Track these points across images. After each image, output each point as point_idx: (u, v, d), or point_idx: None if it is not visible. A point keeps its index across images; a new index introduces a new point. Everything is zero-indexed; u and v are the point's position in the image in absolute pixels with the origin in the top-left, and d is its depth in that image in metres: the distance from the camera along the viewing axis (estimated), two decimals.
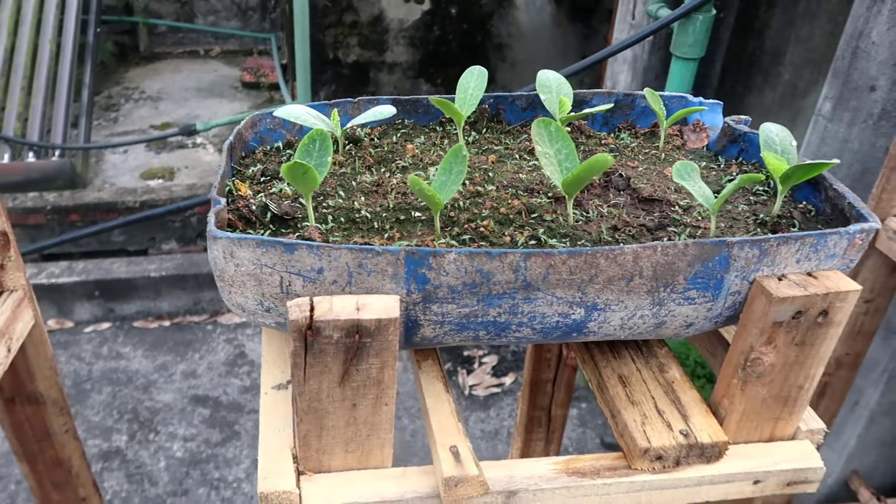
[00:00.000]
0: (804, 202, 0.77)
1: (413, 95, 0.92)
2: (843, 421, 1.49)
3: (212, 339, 2.46)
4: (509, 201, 0.72)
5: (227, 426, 2.10)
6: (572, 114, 0.83)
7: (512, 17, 3.60)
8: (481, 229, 0.68)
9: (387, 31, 3.47)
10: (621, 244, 0.67)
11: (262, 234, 0.67)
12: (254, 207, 0.70)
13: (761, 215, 0.74)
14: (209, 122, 3.23)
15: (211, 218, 0.62)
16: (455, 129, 0.91)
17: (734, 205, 0.77)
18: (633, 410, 0.69)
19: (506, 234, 0.68)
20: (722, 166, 0.85)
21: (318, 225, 0.69)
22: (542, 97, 0.85)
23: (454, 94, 0.85)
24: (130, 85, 4.27)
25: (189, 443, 2.05)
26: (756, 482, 0.69)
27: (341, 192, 0.74)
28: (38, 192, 2.83)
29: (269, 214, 0.70)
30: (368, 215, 0.70)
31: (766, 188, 0.80)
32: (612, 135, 0.93)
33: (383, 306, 0.58)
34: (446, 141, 0.88)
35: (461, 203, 0.72)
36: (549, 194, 0.75)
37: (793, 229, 0.72)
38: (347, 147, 0.85)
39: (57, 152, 2.98)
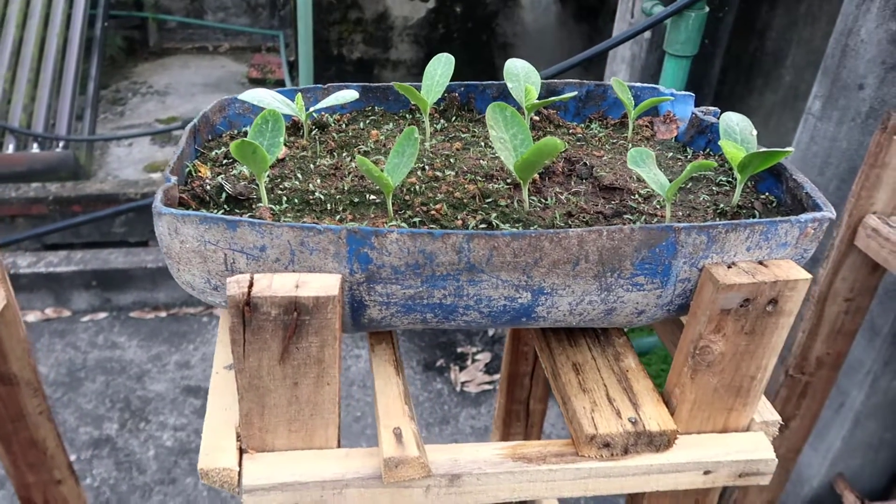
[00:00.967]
0: (766, 193, 0.76)
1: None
2: (828, 423, 1.47)
3: (206, 330, 2.48)
4: (465, 186, 0.72)
5: None
6: (537, 101, 0.83)
7: (517, 16, 3.60)
8: (433, 213, 0.67)
9: (391, 29, 3.48)
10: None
11: (216, 213, 0.68)
12: (208, 187, 0.70)
13: (721, 205, 0.73)
14: None
15: (158, 195, 0.63)
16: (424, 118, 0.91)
17: (696, 195, 0.76)
18: (584, 398, 0.68)
19: (458, 218, 0.68)
20: (689, 157, 0.84)
21: (272, 206, 0.69)
22: (509, 85, 0.85)
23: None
24: (138, 79, 4.31)
25: (179, 432, 2.06)
26: (706, 472, 0.68)
27: (299, 175, 0.74)
28: (41, 183, 2.86)
29: (223, 195, 0.70)
30: (322, 197, 0.70)
31: (730, 179, 0.79)
32: (583, 125, 0.93)
33: (322, 284, 0.58)
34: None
35: (417, 187, 0.72)
36: (508, 180, 0.75)
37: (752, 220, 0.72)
38: (313, 132, 0.85)
39: (61, 144, 3.01)
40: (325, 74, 3.53)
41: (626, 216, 0.70)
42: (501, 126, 0.69)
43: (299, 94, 0.81)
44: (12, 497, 1.86)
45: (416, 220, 0.67)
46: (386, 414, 0.65)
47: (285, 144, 0.82)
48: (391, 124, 0.89)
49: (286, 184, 0.73)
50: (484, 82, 0.93)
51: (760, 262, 0.64)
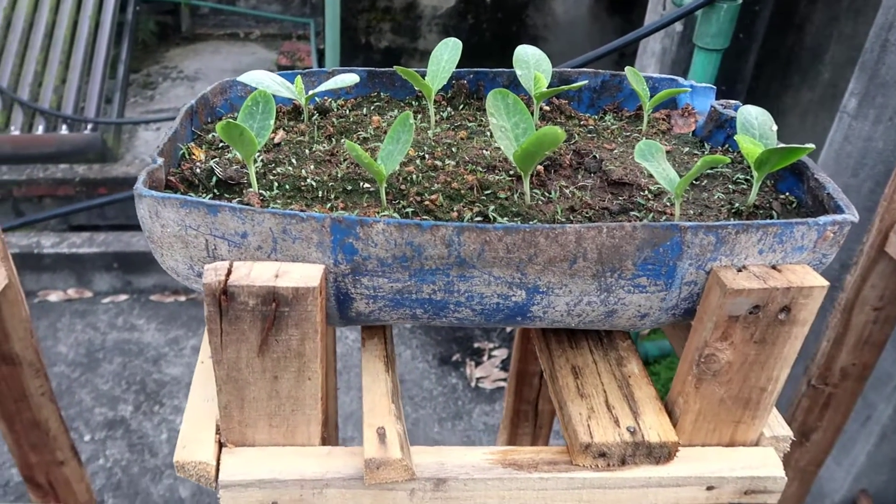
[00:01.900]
0: (787, 193, 0.72)
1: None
2: (853, 437, 1.41)
3: None
4: (464, 177, 0.69)
5: None
6: (547, 90, 0.79)
7: (548, 8, 3.54)
8: (427, 204, 0.64)
9: (420, 18, 3.44)
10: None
11: (204, 198, 0.65)
12: (198, 170, 0.68)
13: (737, 205, 0.69)
14: None
15: (141, 176, 0.61)
16: (434, 104, 0.87)
17: (710, 193, 0.72)
18: (581, 403, 0.65)
19: (454, 210, 0.65)
20: (706, 153, 0.80)
21: (263, 191, 0.67)
22: (518, 73, 0.81)
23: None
24: (169, 64, 4.34)
25: None
26: (710, 488, 0.64)
27: (293, 160, 0.72)
28: (69, 164, 2.89)
29: (214, 179, 0.68)
30: (314, 184, 0.67)
31: (748, 177, 0.74)
32: (597, 117, 0.88)
33: (303, 274, 0.55)
34: (419, 116, 0.85)
35: (414, 176, 0.69)
36: (511, 172, 0.71)
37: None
38: (314, 117, 0.82)
39: (89, 126, 3.04)
40: (352, 63, 3.51)
41: (632, 213, 0.66)
42: (503, 114, 0.66)
43: (299, 76, 0.78)
44: None
45: (409, 210, 0.64)
46: (371, 412, 0.62)
47: (283, 129, 0.79)
48: (396, 111, 0.86)
49: (279, 169, 0.70)
50: (494, 69, 0.89)
51: (774, 267, 0.60)
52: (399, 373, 2.27)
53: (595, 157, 0.76)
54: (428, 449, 0.63)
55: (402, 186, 0.68)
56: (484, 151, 0.75)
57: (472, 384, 2.27)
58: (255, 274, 0.55)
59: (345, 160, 0.72)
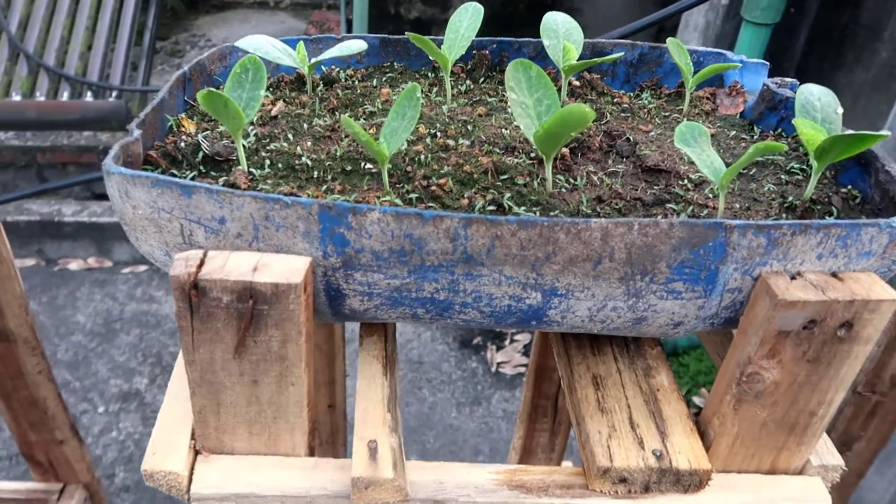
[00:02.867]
0: (849, 186, 0.62)
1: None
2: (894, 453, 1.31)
3: None
4: (479, 159, 0.61)
5: None
6: (576, 63, 0.70)
7: None
8: (434, 189, 0.57)
9: None
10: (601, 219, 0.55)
11: (188, 175, 0.59)
12: (183, 145, 0.61)
13: (791, 198, 0.60)
14: None
15: (114, 150, 0.54)
16: (451, 76, 0.79)
17: (759, 183, 0.63)
18: (601, 420, 0.57)
19: (465, 196, 0.57)
20: (756, 138, 0.71)
21: (254, 170, 0.60)
22: (546, 43, 0.73)
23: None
24: (198, 32, 4.29)
25: None
26: None
27: (290, 136, 0.65)
28: (93, 132, 2.87)
29: (200, 154, 0.61)
30: (310, 163, 0.60)
31: (804, 166, 0.65)
32: (633, 94, 0.80)
33: (285, 268, 0.48)
34: (435, 89, 0.77)
35: (423, 157, 0.61)
36: (532, 155, 0.63)
37: (828, 218, 0.58)
38: (319, 88, 0.75)
39: (114, 93, 3.01)
40: (380, 34, 3.42)
41: (668, 206, 0.58)
42: (524, 88, 0.57)
43: (301, 43, 0.71)
44: None
45: (413, 196, 0.56)
46: (363, 422, 0.55)
47: (284, 100, 0.72)
48: (409, 83, 0.78)
49: (274, 145, 0.63)
50: (520, 39, 0.81)
51: (834, 275, 0.51)
52: (418, 354, 2.21)
53: (629, 139, 0.68)
54: (426, 465, 0.56)
55: (409, 168, 0.60)
56: (503, 130, 0.67)
57: (493, 369, 2.20)
58: (231, 266, 0.48)
59: (346, 137, 0.64)
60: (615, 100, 0.76)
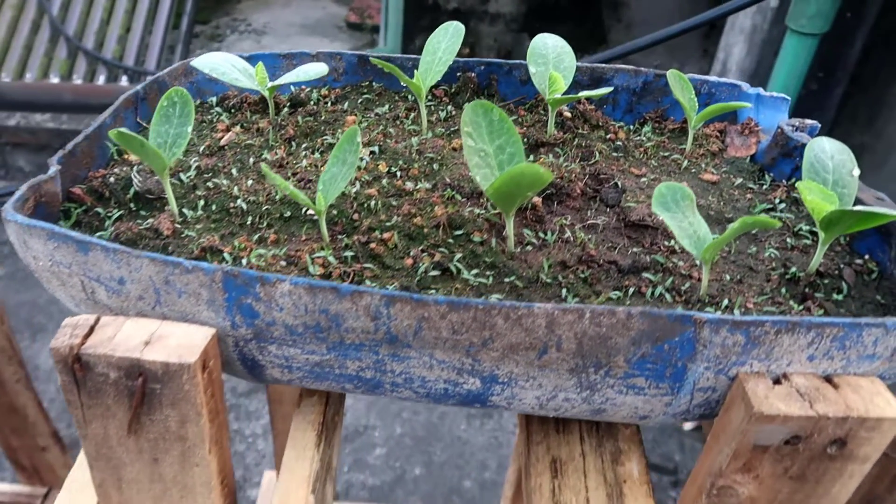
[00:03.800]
0: (867, 255, 0.54)
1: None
2: None
3: None
4: (434, 208, 0.54)
5: None
6: (561, 97, 0.62)
7: None
8: (373, 246, 0.50)
9: None
10: (564, 290, 0.48)
11: (113, 215, 0.54)
12: (112, 180, 0.56)
13: (794, 269, 0.52)
14: None
15: (20, 191, 0.49)
16: (432, 99, 0.72)
17: (762, 245, 0.55)
18: None
19: (410, 255, 0.50)
20: (765, 187, 0.62)
21: (187, 211, 0.54)
22: (532, 70, 0.65)
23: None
24: (239, 16, 4.28)
25: None
26: None
27: (234, 171, 0.59)
28: None
29: (132, 190, 0.56)
30: (245, 206, 0.54)
31: (815, 228, 0.56)
32: (633, 126, 0.71)
33: (182, 343, 0.42)
34: (413, 114, 0.70)
35: (374, 203, 0.55)
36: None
37: (836, 296, 0.50)
38: (284, 111, 0.69)
39: (149, 78, 3.01)
40: (418, 24, 3.35)
41: (645, 275, 0.50)
42: (484, 134, 0.50)
43: (260, 63, 0.65)
44: None
45: (349, 254, 0.50)
46: None
47: (243, 125, 0.66)
48: (386, 106, 0.71)
49: (215, 181, 0.57)
50: (510, 61, 0.73)
51: (828, 379, 0.43)
52: None
53: (616, 185, 0.60)
54: None
55: (356, 216, 0.54)
56: None
57: None
58: (121, 338, 0.42)
59: (294, 174, 0.58)
60: (609, 135, 0.68)
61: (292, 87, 0.72)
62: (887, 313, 0.49)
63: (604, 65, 0.72)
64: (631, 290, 0.49)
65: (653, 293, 0.49)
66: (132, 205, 0.55)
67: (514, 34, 3.39)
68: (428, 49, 0.66)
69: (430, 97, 0.73)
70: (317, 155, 0.61)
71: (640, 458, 0.55)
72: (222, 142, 0.62)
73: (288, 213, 0.54)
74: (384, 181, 0.58)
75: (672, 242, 0.54)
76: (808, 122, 0.63)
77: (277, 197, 0.55)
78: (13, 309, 2.24)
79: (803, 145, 0.61)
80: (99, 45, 3.09)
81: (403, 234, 0.52)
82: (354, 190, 0.56)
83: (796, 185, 0.49)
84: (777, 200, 0.59)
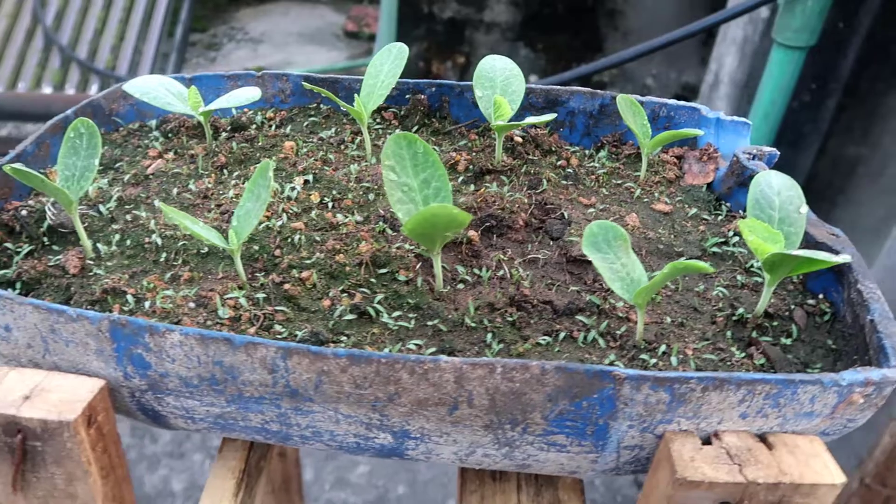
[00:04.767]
0: (821, 294, 0.50)
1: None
2: None
3: None
4: (360, 244, 0.51)
5: None
6: (505, 124, 0.59)
7: None
8: (288, 287, 0.47)
9: None
10: (489, 335, 0.45)
11: (23, 251, 0.51)
12: (26, 213, 0.53)
13: (741, 309, 0.48)
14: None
15: None
16: (380, 122, 0.69)
17: (710, 285, 0.51)
18: None
19: (329, 295, 0.47)
20: (721, 218, 0.59)
21: (102, 246, 0.51)
22: (478, 94, 0.62)
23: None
24: (237, 25, 4.28)
25: None
26: None
27: (156, 202, 0.56)
28: None
29: (46, 224, 0.53)
30: (160, 241, 0.51)
31: None
32: (590, 151, 0.68)
33: (63, 399, 0.39)
34: (359, 138, 0.67)
35: (298, 237, 0.52)
36: None
37: (784, 340, 0.47)
38: (224, 135, 0.66)
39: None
40: (413, 33, 3.32)
41: (578, 317, 0.47)
42: (408, 167, 0.47)
43: (193, 87, 0.62)
44: None
45: (261, 296, 0.47)
46: None
47: (176, 151, 0.63)
48: (332, 130, 0.68)
49: (135, 213, 0.55)
50: (462, 83, 0.70)
51: (763, 438, 0.39)
52: None
53: (562, 216, 0.57)
54: None
55: (278, 252, 0.51)
56: None
57: None
58: (1, 392, 0.39)
59: (217, 206, 0.55)
60: (561, 161, 0.64)
61: (234, 111, 0.69)
62: (838, 360, 0.46)
63: (559, 87, 0.69)
64: (562, 334, 0.46)
65: (585, 338, 0.46)
66: (46, 239, 0.52)
67: (510, 43, 3.36)
68: (370, 72, 0.63)
69: (378, 119, 0.70)
70: (246, 184, 0.58)
71: None
72: (149, 170, 0.59)
73: (205, 250, 0.51)
74: (314, 213, 0.55)
75: None
76: (767, 149, 0.59)
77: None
78: None
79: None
80: (92, 54, 3.08)
81: (324, 273, 0.49)
82: (280, 223, 0.53)
83: (738, 223, 0.45)
84: (731, 233, 0.56)
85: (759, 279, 0.52)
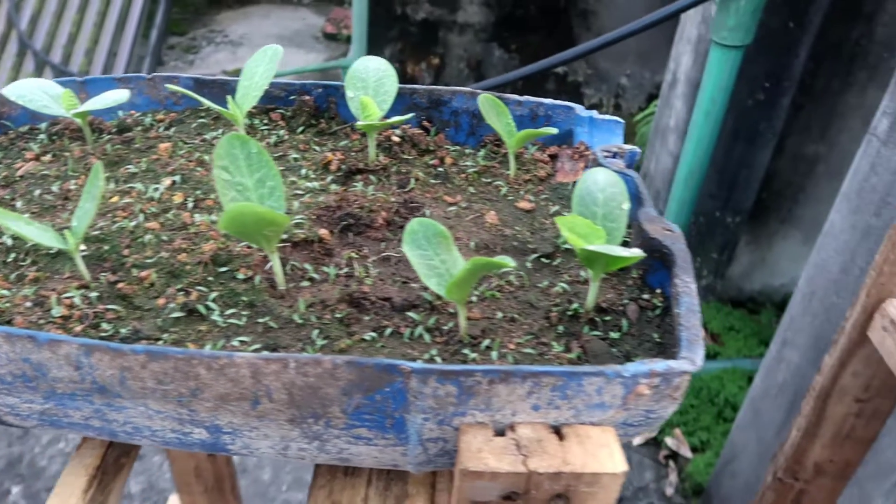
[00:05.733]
0: (659, 289, 0.51)
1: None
2: None
3: None
4: (207, 242, 0.52)
5: None
6: (378, 122, 0.60)
7: None
8: (122, 286, 0.48)
9: None
10: (316, 331, 0.46)
11: None
12: None
13: (576, 304, 0.49)
14: None
15: None
16: (267, 123, 0.70)
17: (555, 279, 0.52)
18: None
19: (165, 294, 0.48)
20: None
21: None
22: (349, 95, 0.63)
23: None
24: (217, 28, 4.28)
25: None
26: None
27: (18, 203, 0.57)
28: None
29: None
30: (10, 241, 0.52)
31: None
32: (472, 150, 0.69)
33: None
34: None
35: (150, 237, 0.53)
36: (285, 237, 0.54)
37: (613, 334, 0.48)
38: (105, 138, 0.67)
39: None
40: (387, 35, 3.34)
41: (409, 313, 0.48)
42: (242, 167, 0.48)
43: (67, 90, 0.63)
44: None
45: (95, 294, 0.48)
46: None
47: (55, 153, 0.64)
48: (220, 131, 0.69)
49: None
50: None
51: (557, 430, 0.40)
52: None
53: (424, 215, 0.58)
54: None
55: (127, 251, 0.52)
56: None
57: None
58: None
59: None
60: (434, 160, 0.65)
61: (120, 113, 0.70)
62: (661, 352, 0.47)
63: (442, 87, 0.70)
64: (389, 330, 0.47)
65: (412, 334, 0.46)
66: None
67: (484, 44, 3.38)
68: (245, 73, 0.64)
69: (265, 121, 0.71)
70: (112, 185, 0.59)
71: (426, 502, 0.52)
72: (19, 172, 0.60)
73: (55, 250, 0.52)
74: (171, 213, 0.56)
75: None
76: (627, 147, 0.60)
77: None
78: None
79: (616, 173, 0.58)
80: (66, 58, 3.09)
81: (165, 272, 0.50)
82: (134, 224, 0.54)
83: (556, 220, 0.46)
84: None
85: (605, 275, 0.53)
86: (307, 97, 0.71)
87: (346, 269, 0.52)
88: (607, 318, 0.49)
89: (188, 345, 0.44)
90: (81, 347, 0.39)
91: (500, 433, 0.40)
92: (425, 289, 0.50)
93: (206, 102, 0.61)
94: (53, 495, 0.51)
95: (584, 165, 0.64)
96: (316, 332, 0.46)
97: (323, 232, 0.54)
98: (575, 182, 0.64)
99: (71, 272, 0.50)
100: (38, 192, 0.58)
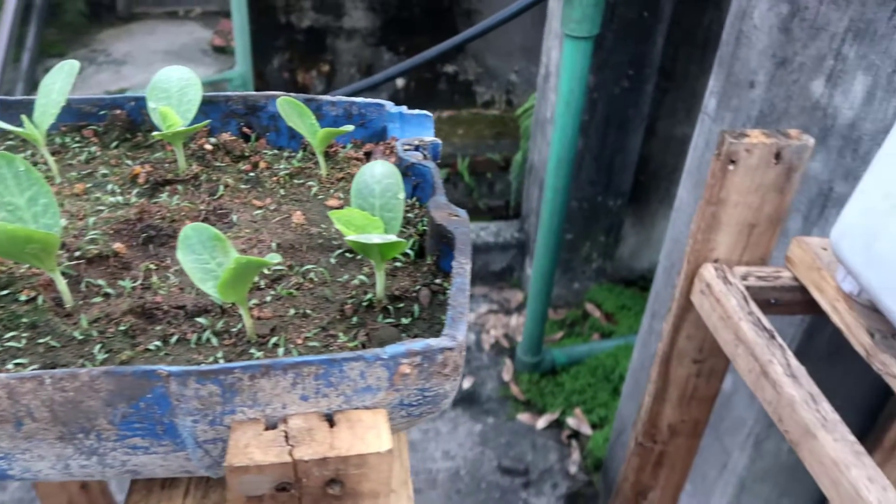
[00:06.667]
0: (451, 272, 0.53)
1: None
2: (711, 486, 1.24)
3: None
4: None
5: None
6: (180, 130, 0.60)
7: None
8: None
9: None
10: (98, 346, 0.45)
11: None
12: None
13: (370, 295, 0.51)
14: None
15: None
16: (79, 140, 0.69)
17: (353, 273, 0.54)
18: None
19: None
20: None
21: None
22: (151, 106, 0.63)
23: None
24: (98, 47, 4.12)
25: None
26: None
27: None
28: None
29: None
30: None
31: (413, 248, 0.56)
32: (289, 153, 0.70)
33: None
34: (55, 157, 0.66)
35: None
36: (77, 254, 0.53)
37: (404, 320, 0.49)
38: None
39: None
40: (273, 45, 3.30)
41: (198, 319, 0.48)
42: (11, 186, 0.47)
43: None
44: None
45: None
46: None
47: None
48: (29, 152, 0.67)
49: None
50: None
51: (328, 418, 0.42)
52: None
53: (230, 221, 0.58)
54: None
55: None
56: (77, 221, 0.57)
57: None
58: None
59: None
60: (246, 165, 0.66)
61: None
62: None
63: (257, 93, 0.70)
64: (175, 338, 0.47)
65: (199, 339, 0.47)
66: None
67: (373, 48, 3.39)
68: (42, 91, 0.63)
69: (77, 138, 0.69)
70: None
71: None
72: None
73: None
74: None
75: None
76: (428, 139, 0.62)
77: None
78: None
79: (414, 164, 0.60)
80: None
81: None
82: None
83: (329, 213, 0.48)
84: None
85: (400, 263, 0.55)
86: (119, 111, 0.70)
87: (142, 281, 0.52)
88: (400, 304, 0.51)
89: None
90: None
91: (272, 427, 0.41)
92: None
93: (3, 125, 0.59)
94: None
95: (395, 160, 0.66)
96: (98, 346, 0.46)
97: (118, 246, 0.54)
98: None
99: None
100: None
